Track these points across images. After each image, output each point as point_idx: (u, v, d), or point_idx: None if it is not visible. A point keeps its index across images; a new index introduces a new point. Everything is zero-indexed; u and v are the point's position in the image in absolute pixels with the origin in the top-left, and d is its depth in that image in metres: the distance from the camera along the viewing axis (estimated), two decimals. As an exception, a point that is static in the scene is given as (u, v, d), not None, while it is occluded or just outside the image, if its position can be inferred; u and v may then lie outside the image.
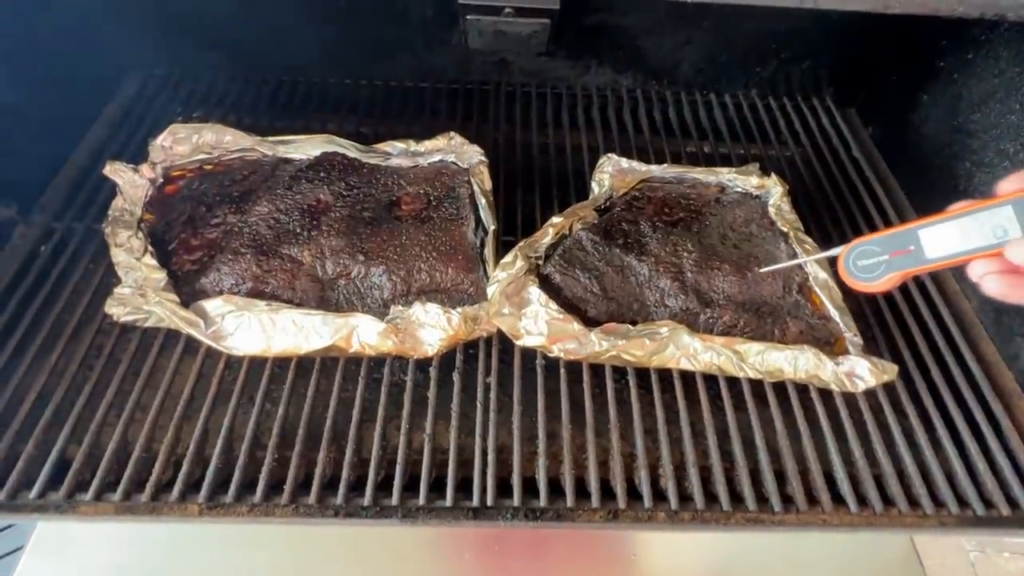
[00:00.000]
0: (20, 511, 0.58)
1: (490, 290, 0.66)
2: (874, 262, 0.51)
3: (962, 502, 0.63)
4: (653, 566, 0.79)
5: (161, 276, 0.67)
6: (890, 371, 0.66)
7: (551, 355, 0.66)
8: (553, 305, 0.65)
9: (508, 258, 0.69)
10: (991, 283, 0.44)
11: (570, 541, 0.79)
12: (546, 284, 0.69)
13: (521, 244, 0.71)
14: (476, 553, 0.77)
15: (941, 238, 0.47)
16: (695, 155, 0.97)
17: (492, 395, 0.67)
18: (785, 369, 0.65)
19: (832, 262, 0.59)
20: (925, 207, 0.93)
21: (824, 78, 1.07)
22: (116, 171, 0.76)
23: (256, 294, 0.67)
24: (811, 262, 0.75)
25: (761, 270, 0.72)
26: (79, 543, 0.74)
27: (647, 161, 0.88)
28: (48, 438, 0.61)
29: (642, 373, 0.69)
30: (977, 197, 0.47)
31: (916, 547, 0.82)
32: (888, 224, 0.90)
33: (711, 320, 0.69)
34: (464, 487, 0.62)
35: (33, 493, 0.58)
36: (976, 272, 0.45)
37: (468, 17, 0.77)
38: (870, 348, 0.71)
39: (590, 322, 0.67)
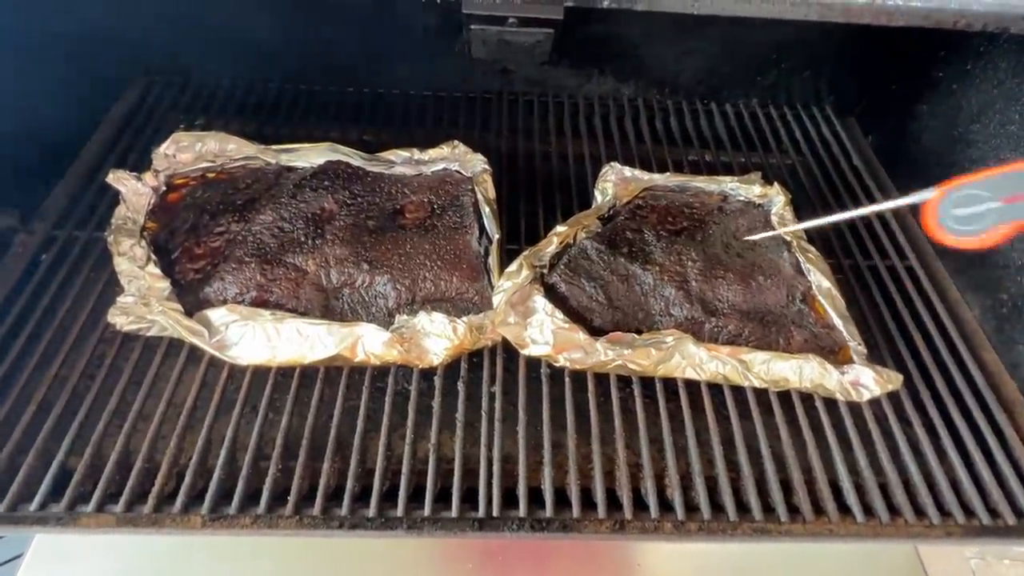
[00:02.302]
0: (21, 523, 0.57)
1: (496, 299, 0.66)
2: (982, 210, 0.41)
3: (968, 511, 0.63)
4: (657, 576, 0.78)
5: (165, 285, 0.67)
6: (895, 380, 0.66)
7: (556, 364, 0.66)
8: (559, 314, 0.65)
9: (513, 267, 0.69)
10: None
11: (574, 551, 0.79)
12: (551, 293, 0.69)
13: (526, 253, 0.71)
14: (479, 564, 0.77)
15: None
16: (697, 163, 0.97)
17: (497, 404, 0.66)
18: (790, 378, 0.65)
19: (911, 213, 0.46)
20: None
21: (824, 87, 1.07)
22: (119, 179, 0.75)
23: (260, 303, 0.67)
24: (814, 271, 0.76)
25: (753, 237, 0.66)
26: (79, 551, 0.73)
27: (649, 170, 0.88)
28: (49, 448, 0.61)
29: (647, 382, 0.69)
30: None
31: (920, 556, 0.82)
32: (889, 231, 0.90)
33: (716, 329, 0.69)
34: (469, 497, 0.61)
35: (34, 505, 0.57)
36: None
37: (473, 27, 0.77)
38: (873, 357, 0.72)
39: (595, 331, 0.67)
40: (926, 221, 0.44)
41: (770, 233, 0.63)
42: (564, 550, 0.79)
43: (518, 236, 0.82)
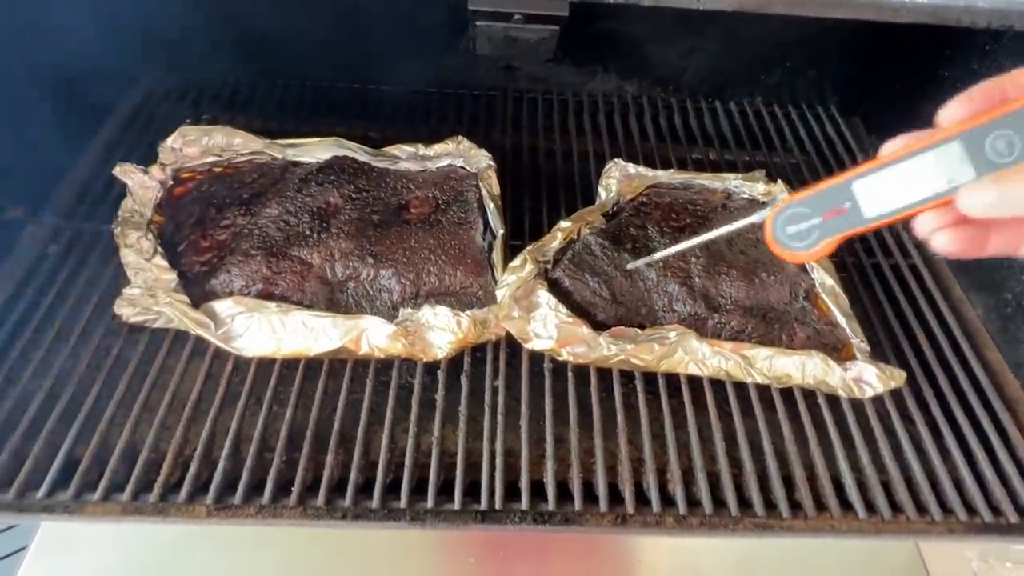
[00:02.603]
0: (27, 511, 0.58)
1: (499, 293, 0.67)
2: (806, 227, 0.42)
3: (970, 509, 0.63)
4: (658, 572, 0.78)
5: (171, 277, 0.67)
6: (898, 377, 0.66)
7: (559, 359, 0.66)
8: (562, 309, 0.65)
9: (517, 262, 0.69)
10: (942, 240, 0.36)
11: (575, 546, 0.79)
12: (555, 288, 0.69)
13: (530, 248, 0.71)
14: (481, 558, 0.77)
15: (880, 190, 0.38)
16: (700, 162, 0.98)
17: (500, 399, 0.67)
18: (793, 374, 0.65)
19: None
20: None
21: (828, 86, 1.07)
22: (126, 172, 0.76)
23: (266, 296, 0.68)
24: (817, 268, 0.76)
25: (645, 258, 0.66)
26: (83, 543, 0.74)
27: (653, 167, 0.88)
28: (56, 438, 0.61)
29: (649, 378, 0.69)
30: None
31: (922, 555, 0.82)
32: (892, 229, 0.90)
33: (719, 325, 0.69)
34: (472, 490, 0.61)
35: (40, 493, 0.58)
36: (924, 228, 0.37)
37: (478, 24, 0.77)
38: (876, 355, 0.72)
39: (599, 326, 0.67)
40: (766, 239, 0.45)
41: (650, 258, 0.62)
42: (565, 545, 0.79)
43: (522, 232, 0.82)
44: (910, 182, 0.37)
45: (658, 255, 0.64)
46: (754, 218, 0.46)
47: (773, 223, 0.44)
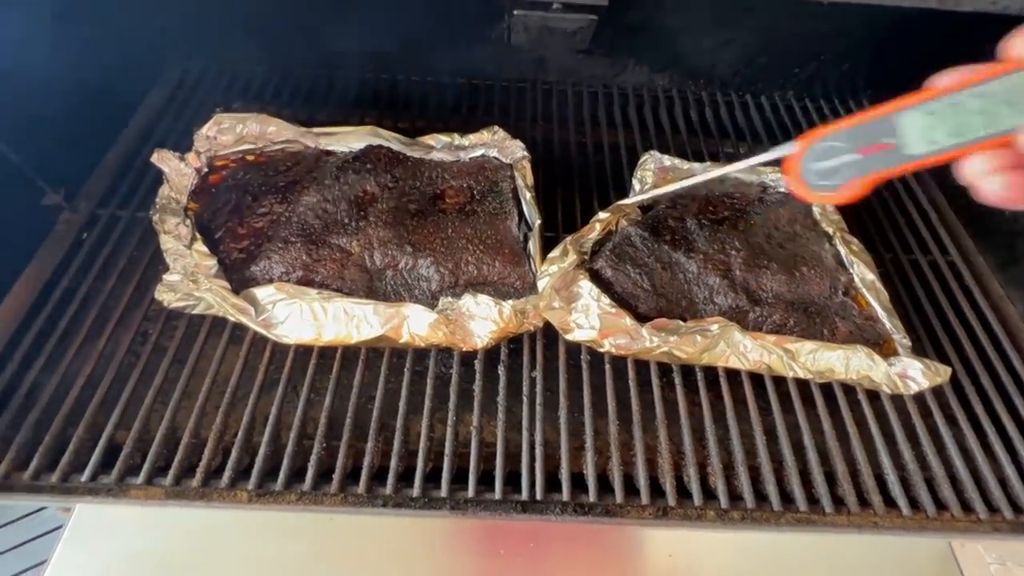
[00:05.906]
0: (72, 494, 0.58)
1: (541, 284, 0.66)
2: (838, 164, 0.38)
3: (1016, 507, 0.62)
4: (690, 567, 0.78)
5: (212, 263, 0.67)
6: (943, 373, 0.65)
7: (600, 350, 0.65)
8: (605, 299, 0.65)
9: (557, 252, 0.69)
10: (995, 185, 0.32)
11: (605, 540, 0.79)
12: (596, 279, 0.68)
13: (569, 239, 0.71)
14: (511, 550, 0.77)
15: (926, 126, 0.35)
16: (732, 155, 0.97)
17: (538, 390, 0.66)
18: (837, 369, 0.65)
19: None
20: (966, 207, 0.91)
21: (861, 80, 1.06)
22: (163, 159, 0.76)
23: (305, 283, 0.67)
24: (857, 263, 0.75)
25: (628, 200, 0.67)
26: (117, 526, 0.74)
27: (685, 160, 0.87)
28: (97, 422, 0.62)
29: (687, 371, 0.68)
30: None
31: (956, 555, 0.81)
32: (930, 226, 0.89)
33: (760, 318, 0.69)
34: (511, 481, 0.61)
35: (85, 476, 0.58)
36: (972, 170, 0.33)
37: (516, 12, 0.77)
38: (916, 351, 0.71)
39: (639, 318, 0.67)
40: (787, 176, 0.40)
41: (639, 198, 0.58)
42: (595, 539, 0.78)
43: (555, 223, 0.82)
44: (966, 117, 0.33)
45: (662, 190, 0.61)
46: (779, 152, 0.42)
47: (804, 156, 0.39)
